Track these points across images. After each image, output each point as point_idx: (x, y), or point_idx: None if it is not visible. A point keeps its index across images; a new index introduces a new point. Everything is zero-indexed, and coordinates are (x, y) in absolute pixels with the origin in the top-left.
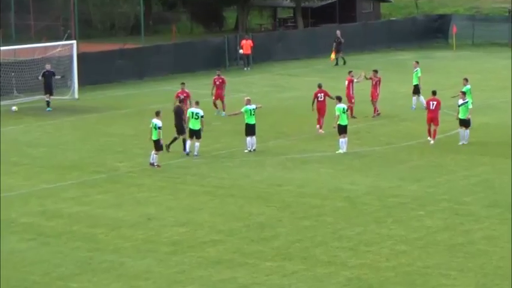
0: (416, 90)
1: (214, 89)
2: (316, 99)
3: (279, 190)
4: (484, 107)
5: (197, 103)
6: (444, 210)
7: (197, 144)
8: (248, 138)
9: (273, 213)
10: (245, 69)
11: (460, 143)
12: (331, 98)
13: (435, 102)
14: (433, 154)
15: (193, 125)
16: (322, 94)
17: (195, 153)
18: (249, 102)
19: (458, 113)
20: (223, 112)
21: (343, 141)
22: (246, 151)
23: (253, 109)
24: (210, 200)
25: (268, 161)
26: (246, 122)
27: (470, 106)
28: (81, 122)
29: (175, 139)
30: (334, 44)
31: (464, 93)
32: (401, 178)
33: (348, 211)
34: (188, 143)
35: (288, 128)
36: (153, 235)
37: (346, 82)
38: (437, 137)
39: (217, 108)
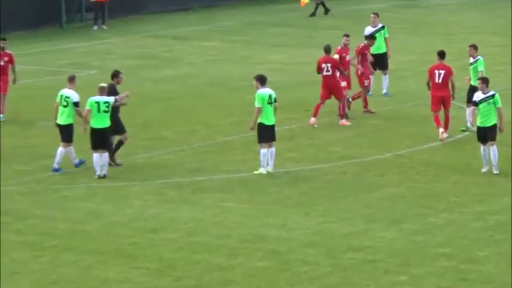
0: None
1: None
2: (321, 73)
3: (154, 240)
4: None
5: (71, 80)
6: (443, 275)
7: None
8: (96, 156)
9: (144, 281)
10: (95, 27)
11: (484, 170)
12: (342, 73)
13: (443, 72)
14: (424, 174)
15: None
16: (330, 65)
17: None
18: (103, 91)
19: (476, 117)
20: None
21: (266, 152)
22: (96, 176)
23: (108, 103)
24: (32, 259)
25: (135, 189)
26: (92, 125)
27: (499, 104)
28: None
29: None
30: None
31: (485, 80)
32: (368, 217)
33: (274, 276)
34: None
35: (170, 131)
36: None
37: (353, 54)
38: (431, 145)
39: None
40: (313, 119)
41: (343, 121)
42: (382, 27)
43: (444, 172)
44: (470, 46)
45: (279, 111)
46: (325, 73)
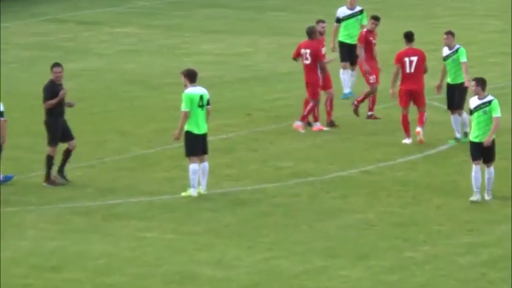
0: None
1: None
2: (302, 61)
3: (55, 281)
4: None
5: None
6: None
7: None
8: None
9: None
10: None
11: (474, 198)
12: (322, 69)
13: (415, 59)
14: (398, 196)
15: None
16: (308, 51)
17: None
18: None
19: (469, 129)
20: None
21: (197, 169)
22: None
23: None
24: None
25: (30, 216)
26: None
27: (496, 113)
28: None
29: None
30: None
31: (481, 81)
32: (327, 251)
33: None
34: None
35: (76, 141)
36: None
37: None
38: (408, 158)
39: None
40: (316, 125)
41: (317, 126)
42: (360, 12)
43: (425, 193)
44: (447, 33)
45: (213, 116)
46: (304, 61)
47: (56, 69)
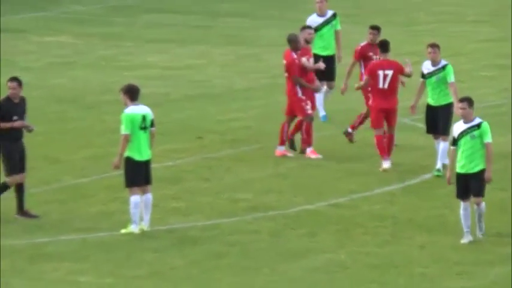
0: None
1: None
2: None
3: None
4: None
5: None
6: None
7: None
8: None
9: None
10: None
11: (465, 240)
12: (295, 80)
13: (390, 73)
14: (375, 234)
15: None
16: (285, 62)
17: None
18: None
19: (453, 158)
20: None
21: (139, 201)
22: None
23: None
24: None
25: None
26: None
27: (487, 139)
28: None
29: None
30: None
31: (472, 102)
32: None
33: None
34: None
35: None
36: None
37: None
38: (386, 189)
39: None
40: (309, 151)
41: (309, 151)
42: (334, 16)
43: (406, 230)
44: (432, 46)
45: (157, 140)
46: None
47: (10, 83)
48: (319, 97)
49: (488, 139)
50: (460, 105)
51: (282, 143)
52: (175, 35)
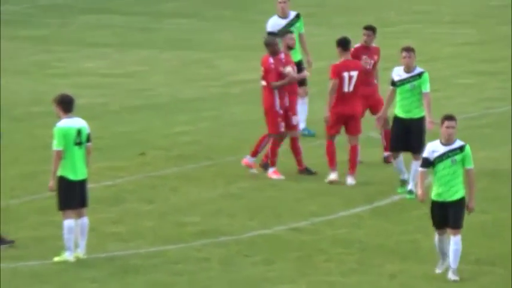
0: None
1: None
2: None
3: None
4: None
5: None
6: None
7: None
8: None
9: None
10: None
11: (439, 270)
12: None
13: (355, 74)
14: (339, 261)
15: None
16: (262, 69)
17: None
18: None
19: (424, 180)
20: None
21: (74, 226)
22: None
23: None
24: None
25: None
26: None
27: (469, 164)
28: None
29: None
30: None
31: (455, 120)
32: None
33: None
34: None
35: None
36: None
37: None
38: (353, 211)
39: None
40: (271, 171)
41: (270, 171)
42: (297, 18)
43: (374, 257)
44: (406, 50)
45: (94, 157)
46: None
47: None
48: (302, 110)
49: (471, 164)
50: (447, 123)
51: (255, 154)
52: (114, 39)
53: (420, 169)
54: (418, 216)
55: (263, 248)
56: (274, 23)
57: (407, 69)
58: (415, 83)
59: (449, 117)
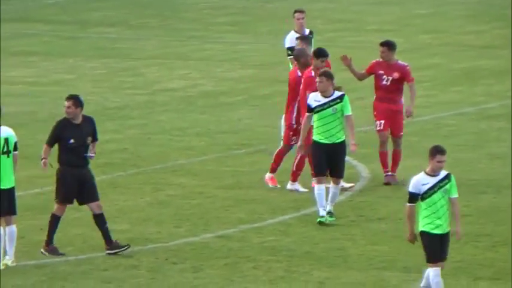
0: None
1: None
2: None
3: None
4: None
5: None
6: None
7: None
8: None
9: None
10: None
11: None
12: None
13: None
14: (268, 269)
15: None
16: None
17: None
18: None
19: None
20: None
21: (3, 235)
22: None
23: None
24: None
25: None
26: None
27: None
28: None
29: None
30: None
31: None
32: None
33: None
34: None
35: None
36: None
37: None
38: (286, 217)
39: None
40: (267, 177)
41: (268, 177)
42: (311, 34)
43: (302, 265)
44: (321, 75)
45: (22, 165)
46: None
47: (66, 102)
48: None
49: (456, 193)
50: (439, 157)
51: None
52: (40, 47)
53: (408, 205)
54: (346, 223)
55: (191, 255)
56: (292, 38)
57: (324, 93)
58: (337, 107)
59: (442, 151)
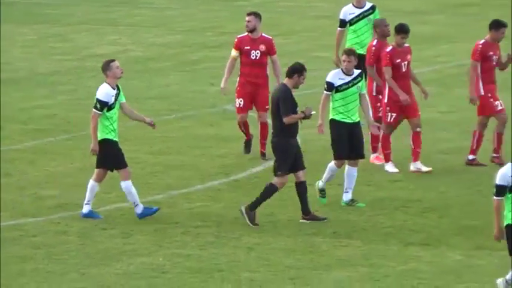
0: None
1: None
2: None
3: None
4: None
5: None
6: None
7: None
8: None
9: None
10: None
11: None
12: None
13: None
14: (198, 235)
15: None
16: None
17: None
18: None
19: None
20: None
21: None
22: None
23: None
24: None
25: None
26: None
27: None
28: None
29: None
30: None
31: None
32: None
33: None
34: None
35: None
36: None
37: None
38: (216, 183)
39: None
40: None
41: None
42: (372, 9)
43: (232, 230)
44: (347, 54)
45: None
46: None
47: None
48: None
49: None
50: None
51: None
52: None
53: (496, 198)
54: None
55: (120, 221)
56: (347, 11)
57: (349, 72)
58: (360, 84)
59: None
